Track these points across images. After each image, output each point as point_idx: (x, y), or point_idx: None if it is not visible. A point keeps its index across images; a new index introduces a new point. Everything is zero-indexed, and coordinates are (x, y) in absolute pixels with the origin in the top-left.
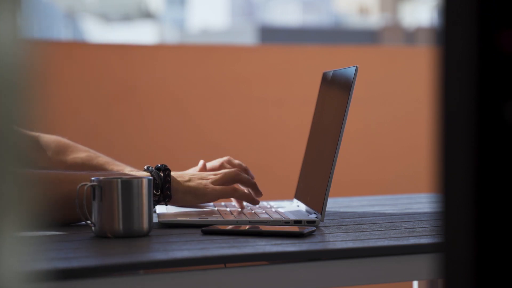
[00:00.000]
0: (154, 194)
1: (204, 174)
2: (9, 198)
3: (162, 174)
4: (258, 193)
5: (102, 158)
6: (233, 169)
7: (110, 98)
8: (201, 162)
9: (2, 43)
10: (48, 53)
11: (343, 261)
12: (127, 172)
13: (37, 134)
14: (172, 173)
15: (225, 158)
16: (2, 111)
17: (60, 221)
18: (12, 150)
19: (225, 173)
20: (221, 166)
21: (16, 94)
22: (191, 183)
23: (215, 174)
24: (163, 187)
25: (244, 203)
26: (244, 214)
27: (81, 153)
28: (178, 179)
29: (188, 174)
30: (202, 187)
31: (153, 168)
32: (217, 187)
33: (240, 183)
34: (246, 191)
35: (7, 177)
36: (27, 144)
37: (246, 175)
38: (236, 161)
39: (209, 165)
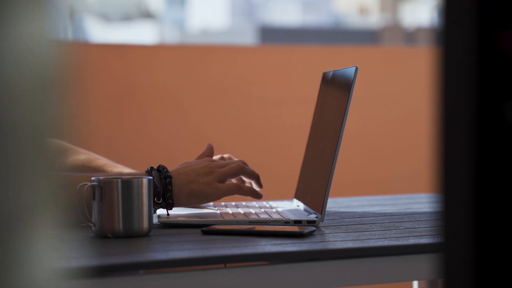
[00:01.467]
0: (155, 202)
1: (208, 167)
2: (42, 199)
3: (163, 182)
4: (260, 185)
5: (101, 160)
6: (236, 163)
7: (110, 98)
8: (208, 145)
9: (32, 44)
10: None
11: (343, 261)
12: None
13: None
14: (174, 174)
15: (217, 157)
16: (32, 116)
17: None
18: (44, 154)
19: (230, 167)
20: (212, 150)
21: (49, 97)
22: (193, 186)
23: (219, 167)
24: (165, 195)
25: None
26: (244, 214)
27: (81, 155)
28: (181, 182)
29: (190, 172)
30: (205, 188)
31: (156, 172)
32: (221, 185)
33: (245, 176)
34: (249, 183)
35: (40, 179)
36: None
37: (250, 168)
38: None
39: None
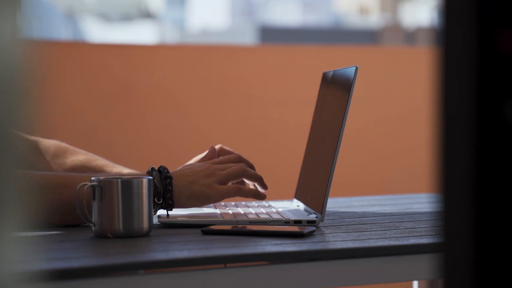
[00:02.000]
0: (155, 202)
1: (210, 170)
2: (9, 200)
3: (163, 183)
4: (264, 186)
5: (100, 161)
6: (239, 165)
7: (110, 98)
8: (210, 147)
9: (1, 43)
10: (47, 53)
11: (343, 261)
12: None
13: (36, 138)
14: (175, 175)
15: (217, 146)
16: (1, 113)
17: (59, 224)
18: (12, 152)
19: (231, 170)
20: (215, 153)
21: (15, 95)
22: (194, 187)
23: (221, 169)
24: (165, 196)
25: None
26: (244, 214)
27: (80, 156)
28: (181, 183)
29: (191, 174)
30: (205, 190)
31: (157, 172)
32: (221, 187)
33: (247, 178)
34: (251, 185)
35: (7, 179)
36: (27, 147)
37: (252, 170)
38: (228, 148)
39: (201, 157)
